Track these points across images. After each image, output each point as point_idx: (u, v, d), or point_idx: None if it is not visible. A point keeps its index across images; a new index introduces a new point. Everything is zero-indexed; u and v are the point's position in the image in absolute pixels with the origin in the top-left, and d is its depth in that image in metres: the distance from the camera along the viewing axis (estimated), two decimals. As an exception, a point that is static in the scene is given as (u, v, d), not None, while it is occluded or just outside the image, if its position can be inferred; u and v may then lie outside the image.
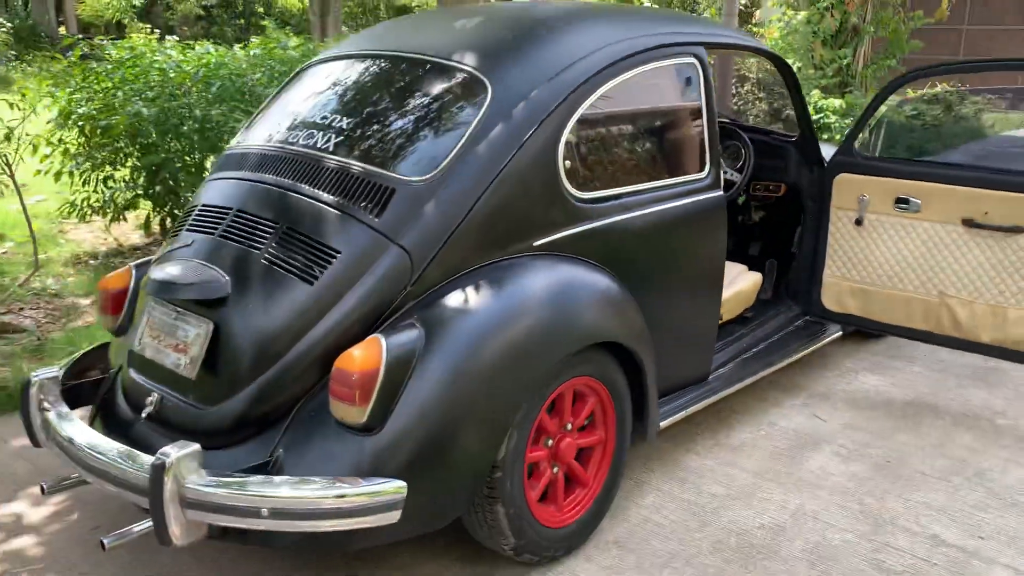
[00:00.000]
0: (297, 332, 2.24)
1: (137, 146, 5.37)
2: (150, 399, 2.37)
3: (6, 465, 3.05)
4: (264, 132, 2.75)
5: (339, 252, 2.28)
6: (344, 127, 2.55)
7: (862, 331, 4.12)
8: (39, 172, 5.58)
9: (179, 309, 2.37)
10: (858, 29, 10.52)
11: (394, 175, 2.37)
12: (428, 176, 2.35)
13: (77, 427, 2.34)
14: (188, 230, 2.54)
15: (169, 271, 2.36)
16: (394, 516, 2.07)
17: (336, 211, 2.35)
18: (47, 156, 5.47)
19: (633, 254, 2.70)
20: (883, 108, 3.75)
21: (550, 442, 2.46)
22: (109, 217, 5.84)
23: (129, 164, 5.60)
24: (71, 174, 5.58)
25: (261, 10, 23.19)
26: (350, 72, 2.84)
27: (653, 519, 2.73)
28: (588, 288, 2.50)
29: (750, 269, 3.84)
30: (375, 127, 2.55)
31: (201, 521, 2.08)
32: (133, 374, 2.46)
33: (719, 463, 3.10)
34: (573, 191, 2.53)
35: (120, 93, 5.20)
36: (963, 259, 3.43)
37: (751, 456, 3.16)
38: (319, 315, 2.25)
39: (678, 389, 3.04)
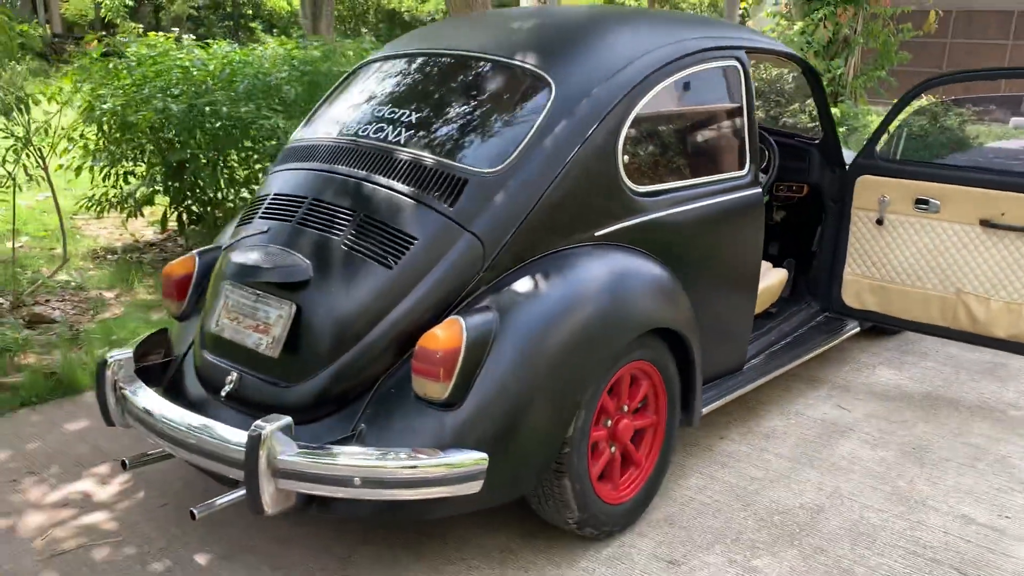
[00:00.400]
0: (377, 314, 2.35)
1: (161, 142, 5.45)
2: (229, 378, 2.47)
3: (69, 446, 3.13)
4: (330, 126, 2.86)
5: (416, 239, 2.40)
6: (413, 121, 2.67)
7: (878, 327, 4.28)
8: (60, 167, 5.64)
9: (259, 292, 2.47)
10: (849, 40, 10.79)
11: (466, 166, 2.49)
12: (498, 168, 2.48)
13: (165, 404, 2.44)
14: (262, 218, 2.64)
15: (251, 256, 2.46)
16: (476, 486, 2.19)
17: (412, 200, 2.46)
18: (67, 151, 5.53)
19: (682, 246, 2.84)
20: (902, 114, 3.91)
21: (609, 423, 2.58)
22: (127, 213, 5.91)
23: (149, 160, 5.68)
24: (92, 169, 5.65)
25: (250, 12, 23.23)
26: (412, 70, 2.96)
27: (698, 499, 2.87)
28: (647, 277, 2.63)
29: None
30: (443, 122, 2.67)
31: (292, 491, 2.19)
32: (208, 355, 2.56)
33: (754, 449, 3.24)
34: (631, 185, 2.67)
35: (146, 89, 5.27)
36: (980, 258, 3.60)
37: (783, 442, 3.30)
38: (398, 298, 2.36)
39: (717, 378, 3.18)
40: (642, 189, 2.71)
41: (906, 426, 3.48)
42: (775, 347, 3.66)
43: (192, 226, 6.10)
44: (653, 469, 2.75)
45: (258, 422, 2.17)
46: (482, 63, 2.81)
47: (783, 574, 2.48)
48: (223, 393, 2.47)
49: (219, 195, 5.81)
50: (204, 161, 5.29)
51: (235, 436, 2.24)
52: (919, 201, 3.70)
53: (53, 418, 3.37)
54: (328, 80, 5.36)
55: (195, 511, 2.23)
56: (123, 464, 2.51)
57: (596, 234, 2.60)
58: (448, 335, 2.23)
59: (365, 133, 2.70)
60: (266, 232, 2.58)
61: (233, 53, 5.57)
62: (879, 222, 3.82)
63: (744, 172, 3.10)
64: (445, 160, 2.52)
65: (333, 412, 2.36)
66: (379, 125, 2.71)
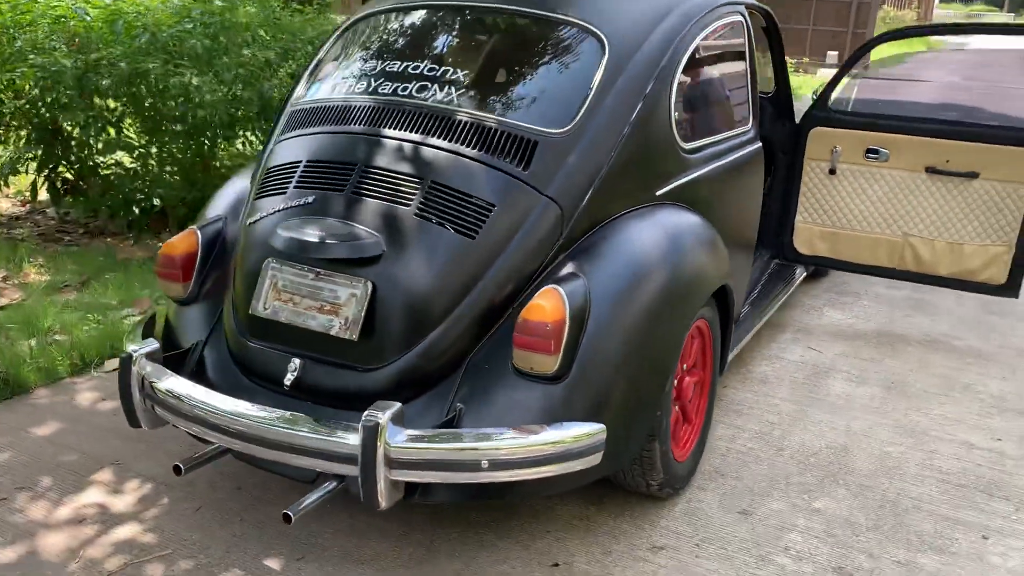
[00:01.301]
0: (463, 287, 2.22)
1: (37, 105, 4.84)
2: (292, 366, 2.26)
3: (49, 454, 2.76)
4: (353, 86, 2.63)
5: (494, 205, 2.27)
6: (461, 80, 2.50)
7: (817, 271, 4.54)
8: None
9: (318, 269, 2.26)
10: None
11: (533, 127, 2.37)
12: (566, 128, 2.38)
13: (229, 399, 2.19)
14: (299, 187, 2.41)
15: (310, 231, 2.24)
16: (596, 458, 2.13)
17: (482, 164, 2.32)
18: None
19: (716, 202, 2.87)
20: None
21: (675, 381, 2.59)
22: (-8, 184, 5.23)
23: (12, 124, 5.04)
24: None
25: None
26: (443, 22, 2.77)
27: (734, 448, 2.94)
28: (707, 235, 2.63)
29: None
30: (495, 80, 2.52)
31: (407, 481, 2.05)
32: (255, 342, 2.32)
33: (757, 395, 3.36)
34: (680, 141, 2.65)
35: (19, 43, 4.64)
36: (926, 203, 3.88)
37: (780, 386, 3.44)
38: (483, 269, 2.23)
39: None
40: (687, 146, 2.70)
41: (876, 363, 3.72)
42: (752, 296, 3.80)
43: (68, 196, 5.50)
44: (704, 423, 2.79)
45: (371, 411, 2.01)
46: (522, 17, 2.67)
47: (843, 512, 2.60)
48: (287, 382, 2.25)
49: (93, 160, 5.25)
50: (100, 125, 4.73)
51: (335, 429, 2.06)
52: (869, 151, 3.91)
53: (9, 423, 2.96)
54: (236, 32, 4.92)
55: (291, 514, 2.04)
56: (177, 470, 2.24)
57: (657, 193, 2.57)
58: (553, 305, 2.14)
59: (406, 92, 2.51)
60: (312, 203, 2.36)
61: (120, 2, 4.99)
62: (831, 172, 4.01)
63: (749, 127, 3.16)
64: (509, 121, 2.38)
65: (418, 394, 2.22)
66: (421, 84, 2.52)
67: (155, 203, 5.39)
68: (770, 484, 2.73)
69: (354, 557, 2.32)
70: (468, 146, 2.35)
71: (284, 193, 2.43)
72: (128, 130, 5.01)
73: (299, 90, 2.82)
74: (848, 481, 2.78)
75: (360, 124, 2.47)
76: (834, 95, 4.02)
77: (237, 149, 5.59)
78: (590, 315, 2.20)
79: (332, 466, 2.06)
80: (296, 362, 2.26)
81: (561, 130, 2.37)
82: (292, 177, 2.45)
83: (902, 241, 3.94)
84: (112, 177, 5.33)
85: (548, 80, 2.51)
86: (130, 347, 2.36)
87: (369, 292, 2.20)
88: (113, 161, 5.39)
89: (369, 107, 2.51)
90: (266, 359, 2.31)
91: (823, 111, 3.98)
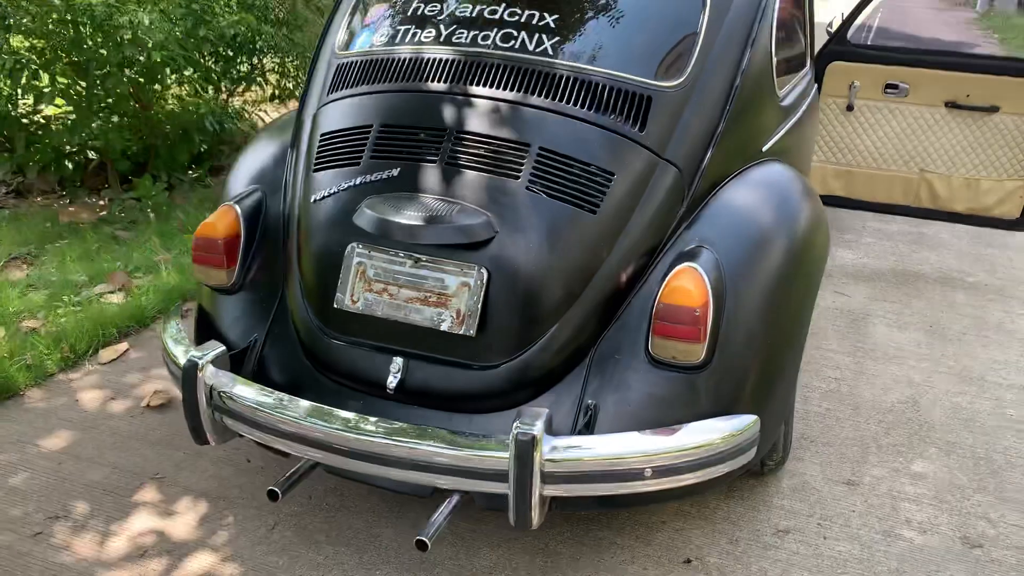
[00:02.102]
0: (589, 268, 1.96)
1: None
2: (394, 366, 1.97)
3: (72, 472, 2.39)
4: (416, 32, 2.28)
5: (613, 174, 2.00)
6: (551, 25, 2.19)
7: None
8: None
9: (419, 256, 1.95)
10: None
11: (645, 80, 2.10)
12: (679, 81, 2.12)
13: (330, 412, 1.89)
14: (377, 157, 2.07)
15: (406, 210, 1.93)
16: (752, 453, 1.95)
17: (593, 126, 2.04)
18: None
19: (796, 150, 2.68)
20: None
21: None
22: None
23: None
24: None
25: None
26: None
27: (813, 411, 2.82)
28: (810, 188, 2.42)
29: None
30: (590, 26, 2.22)
31: (557, 495, 1.82)
32: (342, 338, 2.01)
33: (808, 348, 3.25)
34: (777, 90, 2.43)
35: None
36: (944, 138, 3.80)
37: (827, 337, 3.34)
38: (608, 247, 1.98)
39: None
40: (780, 93, 2.48)
41: (905, 306, 3.67)
42: None
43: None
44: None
45: (523, 421, 1.75)
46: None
47: (943, 474, 2.52)
48: (390, 385, 1.96)
49: (15, 111, 4.63)
50: (13, 69, 4.11)
51: (476, 443, 1.80)
52: (888, 86, 3.79)
53: (10, 435, 2.55)
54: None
55: (426, 540, 1.79)
56: (272, 495, 1.94)
57: (763, 149, 2.35)
58: (697, 287, 1.92)
59: (488, 42, 2.18)
60: (397, 176, 2.04)
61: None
62: (849, 108, 3.88)
63: (808, 66, 2.96)
64: (617, 74, 2.10)
65: (539, 392, 1.97)
66: (504, 31, 2.19)
67: (91, 156, 4.82)
68: (862, 449, 2.63)
69: (469, 570, 2.09)
70: (574, 104, 2.06)
71: (356, 165, 2.09)
72: (60, 77, 4.40)
73: (338, 37, 2.43)
74: (933, 439, 2.70)
75: (441, 80, 2.14)
76: (853, 28, 3.87)
77: (182, 94, 5.03)
78: (726, 292, 1.98)
79: (472, 483, 1.81)
80: (399, 362, 1.97)
81: (675, 83, 2.11)
82: (363, 145, 2.11)
83: (918, 178, 3.87)
84: (37, 130, 4.71)
85: (650, 24, 2.22)
86: (192, 353, 2.01)
87: (484, 280, 1.91)
88: (40, 113, 4.76)
89: (447, 60, 2.17)
90: (359, 359, 2.01)
91: (841, 45, 3.82)
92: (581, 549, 2.17)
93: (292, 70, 5.32)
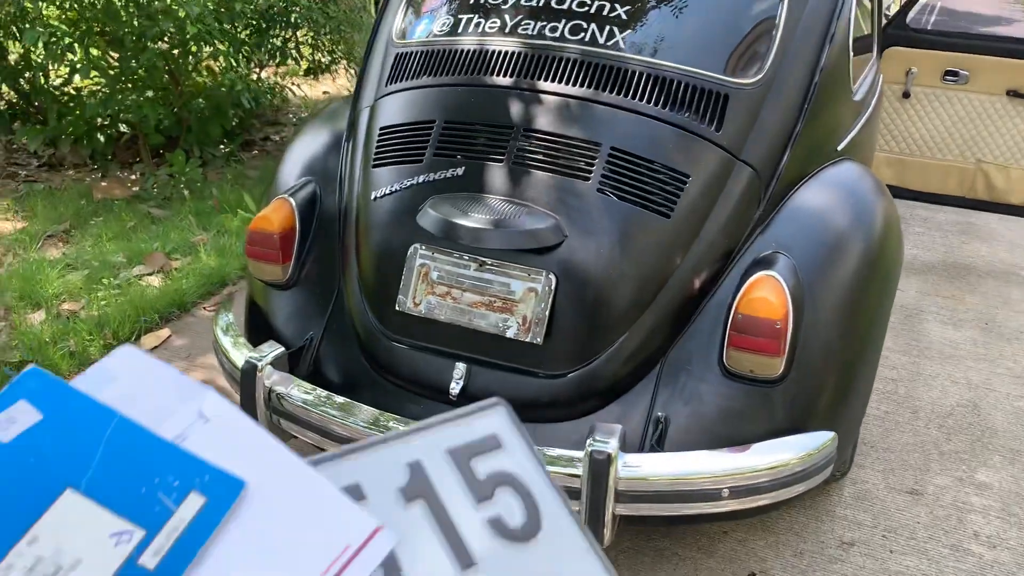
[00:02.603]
0: (661, 275, 1.89)
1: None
2: (457, 372, 1.91)
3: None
4: (480, 22, 2.19)
5: (688, 176, 1.92)
6: (622, 17, 2.09)
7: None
8: None
9: (484, 259, 1.88)
10: None
11: (721, 77, 2.01)
12: (758, 78, 2.02)
13: (401, 419, 1.83)
14: (440, 154, 2.00)
15: (471, 212, 1.85)
16: (828, 471, 1.88)
17: (667, 125, 1.95)
18: None
19: (866, 147, 2.58)
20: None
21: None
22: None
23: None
24: None
25: None
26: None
27: (872, 414, 2.75)
28: (882, 187, 2.32)
29: None
30: (662, 17, 2.12)
31: (629, 514, 1.76)
32: (406, 343, 1.95)
33: (861, 346, 3.16)
34: (852, 85, 2.33)
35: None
36: (1004, 128, 3.68)
37: (880, 335, 3.26)
38: (681, 253, 1.90)
39: None
40: (854, 88, 2.38)
41: (959, 301, 3.57)
42: None
43: (16, 121, 4.80)
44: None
45: (597, 437, 1.70)
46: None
47: (1009, 484, 2.45)
48: (452, 391, 1.90)
49: (48, 83, 4.58)
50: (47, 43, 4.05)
51: (545, 459, 1.74)
52: (948, 73, 3.66)
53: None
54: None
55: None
56: None
57: (838, 148, 2.25)
58: (778, 298, 1.84)
59: (557, 34, 2.09)
60: (462, 175, 1.96)
61: None
62: (905, 95, 3.76)
63: (876, 56, 2.85)
64: (692, 70, 2.01)
65: (605, 403, 1.90)
66: (573, 23, 2.10)
67: (123, 130, 4.76)
68: (924, 456, 2.56)
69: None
70: (647, 102, 1.97)
71: (418, 162, 2.01)
72: (93, 49, 4.33)
73: (395, 24, 2.34)
74: (996, 445, 2.62)
75: (507, 74, 2.06)
76: (913, 12, 3.73)
77: (215, 67, 4.94)
78: (805, 302, 1.90)
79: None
80: (462, 367, 1.91)
81: (752, 80, 2.02)
82: (426, 142, 2.03)
83: (974, 168, 3.76)
84: (69, 102, 4.65)
85: (726, 18, 2.12)
86: (250, 355, 1.95)
87: (552, 286, 1.84)
88: (71, 85, 4.70)
89: (513, 53, 2.08)
90: (420, 363, 1.95)
91: (900, 29, 3.69)
92: (641, 560, 2.12)
93: (327, 44, 5.22)
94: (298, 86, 5.71)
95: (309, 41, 5.28)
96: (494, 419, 0.66)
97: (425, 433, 0.64)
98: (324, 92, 6.57)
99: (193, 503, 0.55)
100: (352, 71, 5.60)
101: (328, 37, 5.19)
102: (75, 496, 0.54)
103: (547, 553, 0.61)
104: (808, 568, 2.12)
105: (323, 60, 5.35)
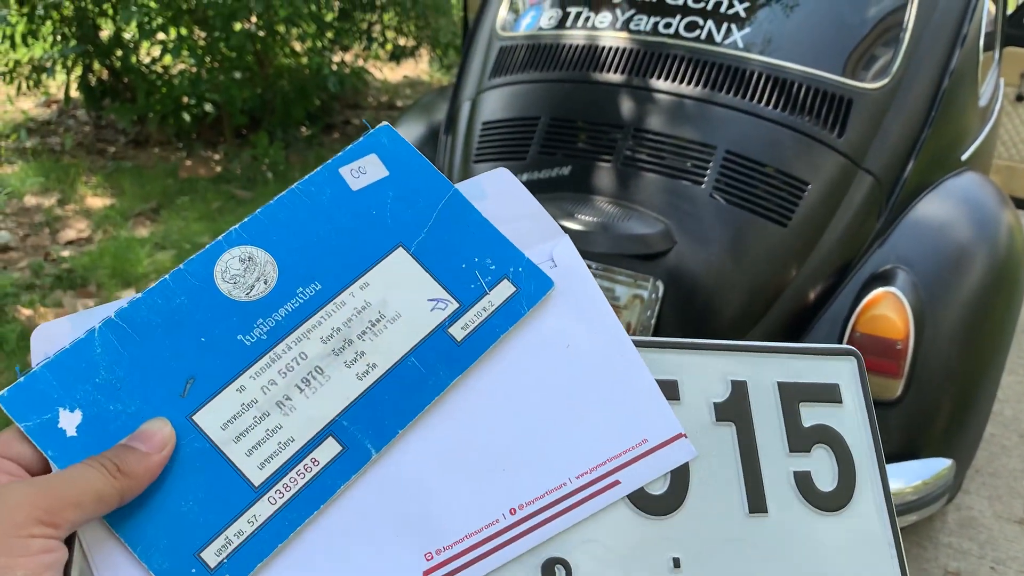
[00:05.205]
0: (776, 286, 1.80)
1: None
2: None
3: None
4: (589, 15, 2.12)
5: (807, 183, 1.82)
6: (741, 14, 2.00)
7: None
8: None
9: (587, 262, 1.81)
10: None
11: (845, 81, 1.90)
12: (884, 82, 1.91)
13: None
14: (545, 152, 1.93)
15: (577, 214, 1.79)
16: (943, 502, 1.78)
17: (787, 129, 1.86)
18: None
19: (988, 156, 2.44)
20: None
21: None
22: (18, 83, 4.61)
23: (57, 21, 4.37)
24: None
25: None
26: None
27: (974, 435, 2.62)
28: (1006, 199, 2.19)
29: None
30: (784, 17, 2.02)
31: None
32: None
33: (963, 361, 3.02)
34: (979, 91, 2.19)
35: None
36: (1125, 135, 3.47)
37: (982, 350, 3.11)
38: (797, 264, 1.81)
39: None
40: (980, 92, 2.24)
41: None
42: None
43: (105, 98, 4.88)
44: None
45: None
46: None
47: None
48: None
49: (138, 60, 4.64)
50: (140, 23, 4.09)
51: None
52: (1068, 75, 3.46)
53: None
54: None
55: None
56: None
57: (962, 158, 2.13)
58: (900, 316, 1.74)
59: (671, 31, 2.00)
60: (567, 175, 1.89)
61: None
62: (1019, 98, 3.56)
63: (998, 59, 2.69)
64: (814, 72, 1.91)
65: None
66: (688, 19, 2.01)
67: (207, 109, 4.80)
68: (1034, 482, 2.43)
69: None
70: (766, 104, 1.88)
71: (522, 159, 1.96)
72: (182, 29, 4.37)
73: (499, 16, 2.28)
74: (1112, 476, 2.48)
75: (617, 71, 1.98)
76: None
77: (300, 50, 4.96)
78: (926, 320, 1.80)
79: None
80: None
81: (878, 84, 1.91)
82: (530, 138, 1.97)
83: (1091, 178, 3.56)
84: (158, 80, 4.71)
85: (850, 18, 2.01)
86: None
87: (660, 294, 1.77)
88: (160, 65, 4.76)
89: (625, 49, 2.00)
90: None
91: (1018, 28, 3.50)
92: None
93: (413, 29, 5.19)
94: (379, 70, 5.70)
95: (394, 25, 5.26)
96: (842, 368, 0.61)
97: (761, 355, 0.60)
98: (404, 76, 6.56)
99: (504, 289, 0.57)
100: (435, 56, 5.57)
101: (414, 22, 5.16)
102: (404, 255, 0.57)
103: (845, 531, 0.57)
104: (911, 598, 2.02)
105: (407, 44, 5.32)
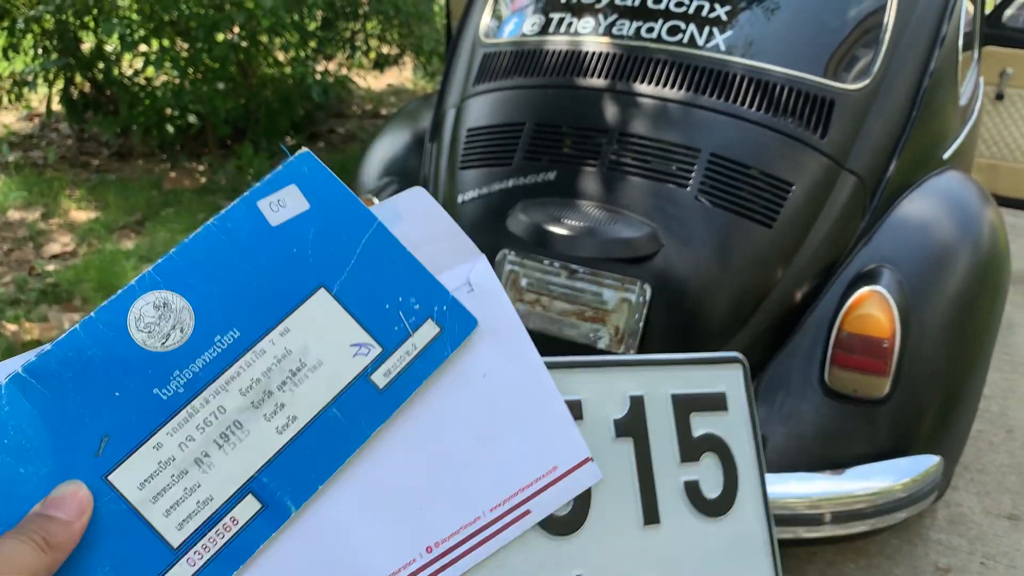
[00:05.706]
0: (762, 288, 1.81)
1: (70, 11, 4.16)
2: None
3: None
4: (572, 20, 2.12)
5: (792, 185, 1.83)
6: (724, 18, 2.01)
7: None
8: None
9: (575, 267, 1.82)
10: None
11: (828, 82, 1.92)
12: (864, 83, 1.93)
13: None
14: (530, 157, 1.94)
15: (563, 218, 1.80)
16: (932, 499, 1.79)
17: (770, 131, 1.87)
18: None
19: (968, 156, 2.46)
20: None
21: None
22: (1, 96, 4.59)
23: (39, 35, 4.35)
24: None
25: None
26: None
27: (962, 431, 2.64)
28: (989, 197, 2.20)
29: None
30: (765, 19, 2.03)
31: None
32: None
33: (949, 359, 3.04)
34: (959, 90, 2.21)
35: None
36: (1103, 132, 3.51)
37: (968, 347, 3.13)
38: (783, 265, 1.82)
39: None
40: (960, 92, 2.26)
41: (1051, 312, 3.43)
42: None
43: (88, 111, 4.86)
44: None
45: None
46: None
47: (1114, 513, 2.33)
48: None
49: (120, 73, 4.62)
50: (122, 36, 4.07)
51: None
52: (1045, 74, 3.50)
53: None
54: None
55: None
56: None
57: (943, 157, 2.15)
58: (886, 315, 1.75)
59: (654, 35, 2.01)
60: (554, 180, 1.90)
61: None
62: (999, 97, 3.60)
63: (977, 58, 2.72)
64: (796, 74, 1.92)
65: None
66: (670, 23, 2.02)
67: (191, 121, 4.78)
68: (1021, 479, 2.44)
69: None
70: (749, 107, 1.89)
71: (507, 165, 1.96)
72: (165, 41, 4.36)
73: (482, 22, 2.29)
74: (1099, 470, 2.50)
75: (601, 76, 1.99)
76: (1010, 10, 3.56)
77: (283, 59, 4.95)
78: (911, 318, 1.81)
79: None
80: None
81: (859, 85, 1.92)
82: (515, 144, 1.97)
83: (1071, 175, 3.59)
84: (141, 92, 4.69)
85: (830, 19, 2.03)
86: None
87: (647, 297, 1.78)
88: (143, 77, 4.74)
89: (608, 54, 2.01)
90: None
91: (996, 28, 3.54)
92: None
93: (396, 37, 5.19)
94: (363, 78, 5.70)
95: (377, 33, 5.26)
96: (730, 375, 0.63)
97: (655, 369, 0.62)
98: (388, 84, 6.56)
99: (428, 331, 0.56)
100: (419, 64, 5.57)
101: (397, 30, 5.16)
102: (327, 297, 0.55)
103: (727, 535, 0.60)
104: (903, 595, 2.03)
105: (391, 52, 5.33)
